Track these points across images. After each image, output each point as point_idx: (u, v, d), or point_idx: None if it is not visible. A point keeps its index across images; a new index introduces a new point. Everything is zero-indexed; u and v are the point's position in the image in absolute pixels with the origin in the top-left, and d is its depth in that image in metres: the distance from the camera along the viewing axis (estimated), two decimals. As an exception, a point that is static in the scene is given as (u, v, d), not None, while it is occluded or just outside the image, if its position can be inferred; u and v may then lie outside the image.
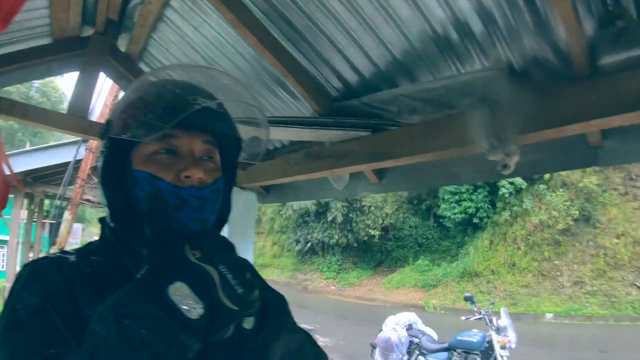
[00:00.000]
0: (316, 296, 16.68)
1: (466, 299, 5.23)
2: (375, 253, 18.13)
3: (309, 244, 18.62)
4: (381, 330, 5.45)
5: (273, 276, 21.13)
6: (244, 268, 0.54)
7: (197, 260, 0.51)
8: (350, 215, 17.39)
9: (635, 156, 1.72)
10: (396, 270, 16.58)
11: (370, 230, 16.77)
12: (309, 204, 17.66)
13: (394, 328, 5.33)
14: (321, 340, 8.25)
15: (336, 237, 17.57)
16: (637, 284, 11.08)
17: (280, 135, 2.09)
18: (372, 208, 16.99)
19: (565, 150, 1.75)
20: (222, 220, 0.74)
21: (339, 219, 17.19)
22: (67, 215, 7.47)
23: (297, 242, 19.21)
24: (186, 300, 0.48)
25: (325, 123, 1.98)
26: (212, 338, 0.53)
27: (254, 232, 3.82)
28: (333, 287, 17.48)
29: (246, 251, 3.42)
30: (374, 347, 5.51)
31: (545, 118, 1.41)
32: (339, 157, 2.02)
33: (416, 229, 17.20)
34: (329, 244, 18.12)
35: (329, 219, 17.43)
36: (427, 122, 1.76)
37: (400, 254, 17.20)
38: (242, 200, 3.07)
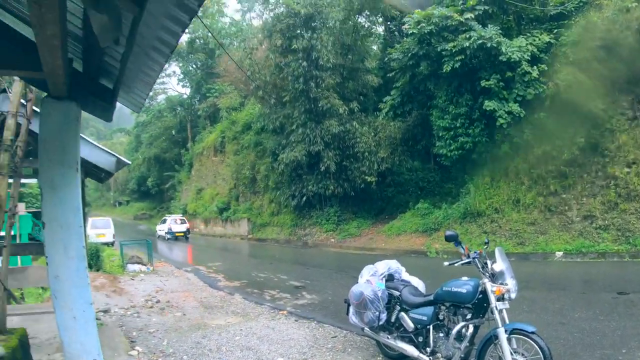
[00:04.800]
0: (316, 250, 16.09)
1: (447, 238, 3.82)
2: (375, 201, 17.28)
3: (304, 198, 17.81)
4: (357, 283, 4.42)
5: (273, 234, 20.59)
6: None
7: None
8: (344, 163, 16.36)
9: None
10: (397, 216, 15.77)
11: (366, 177, 15.77)
12: (299, 155, 16.54)
13: (369, 280, 4.28)
14: (307, 298, 7.59)
15: (332, 187, 16.68)
16: (653, 215, 9.94)
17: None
18: (366, 153, 15.87)
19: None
20: None
21: (332, 168, 16.20)
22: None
23: (293, 197, 18.40)
24: None
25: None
26: None
27: (78, 158, 2.57)
28: (333, 240, 16.84)
29: (68, 183, 2.43)
30: (348, 304, 4.48)
31: None
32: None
33: (416, 172, 16.15)
34: (325, 195, 17.27)
35: (322, 169, 16.43)
36: None
37: (401, 200, 16.34)
38: (56, 116, 2.16)
